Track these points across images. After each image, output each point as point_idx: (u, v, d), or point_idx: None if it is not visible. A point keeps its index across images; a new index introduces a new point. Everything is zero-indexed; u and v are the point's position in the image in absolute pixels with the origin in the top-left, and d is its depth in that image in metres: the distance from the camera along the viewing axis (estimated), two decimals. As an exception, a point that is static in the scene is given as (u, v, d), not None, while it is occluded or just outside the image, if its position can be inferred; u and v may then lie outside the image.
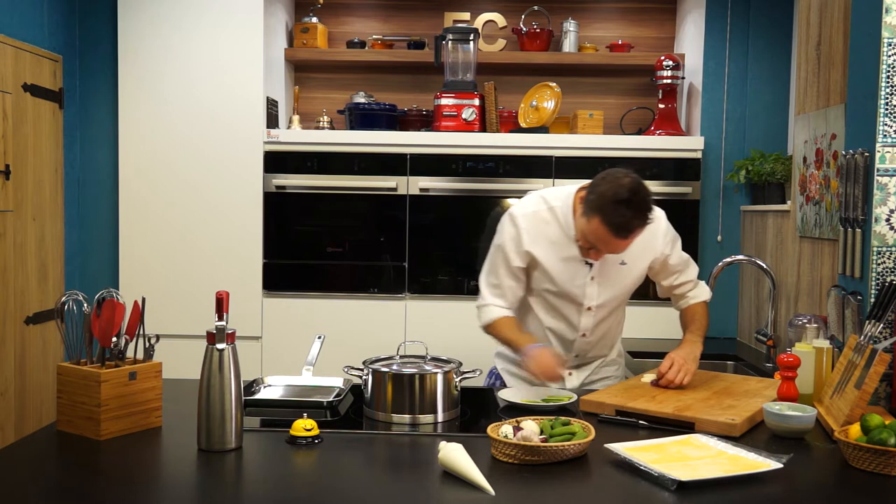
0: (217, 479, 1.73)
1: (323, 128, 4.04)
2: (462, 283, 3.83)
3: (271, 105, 3.92)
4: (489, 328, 2.55)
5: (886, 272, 2.28)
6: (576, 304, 2.51)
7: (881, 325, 2.07)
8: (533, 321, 2.60)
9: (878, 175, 2.28)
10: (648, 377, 2.44)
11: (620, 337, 2.74)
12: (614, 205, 2.22)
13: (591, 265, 2.47)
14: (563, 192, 2.49)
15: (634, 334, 3.53)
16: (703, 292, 2.68)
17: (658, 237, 2.53)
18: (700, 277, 3.84)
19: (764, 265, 3.22)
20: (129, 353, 2.02)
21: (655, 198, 3.76)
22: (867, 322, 2.11)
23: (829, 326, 2.48)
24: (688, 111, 4.11)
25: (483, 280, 2.58)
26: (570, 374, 2.60)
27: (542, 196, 2.52)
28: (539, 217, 2.48)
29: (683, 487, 1.63)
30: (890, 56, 2.26)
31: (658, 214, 2.50)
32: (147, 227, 3.84)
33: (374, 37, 4.19)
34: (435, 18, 4.24)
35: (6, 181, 3.38)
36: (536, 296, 2.56)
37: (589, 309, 2.52)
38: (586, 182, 2.39)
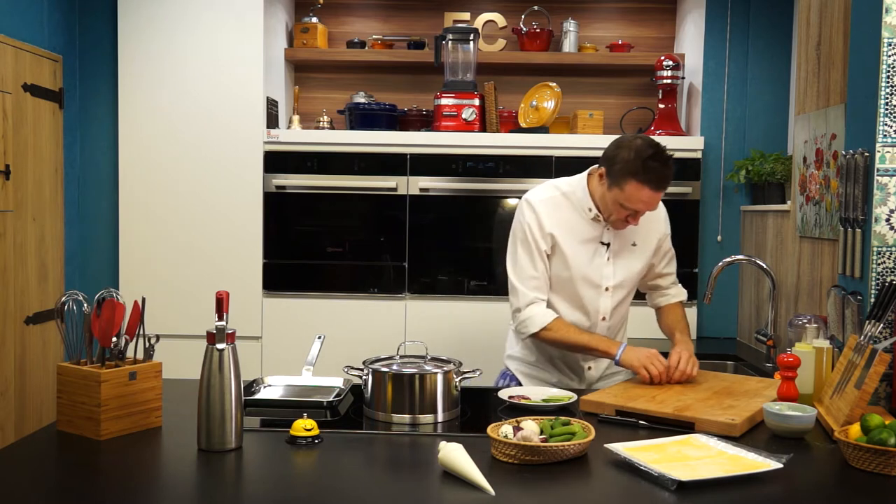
0: (217, 479, 1.73)
1: (323, 128, 4.03)
2: (462, 283, 3.83)
3: (271, 105, 3.92)
4: (544, 332, 2.47)
5: (886, 272, 2.28)
6: (594, 286, 2.54)
7: (881, 325, 2.07)
8: None
9: (878, 175, 2.28)
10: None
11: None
12: (644, 162, 2.33)
13: (607, 245, 2.52)
14: (573, 179, 2.57)
15: (635, 334, 3.52)
16: (681, 292, 2.74)
17: (661, 216, 2.64)
18: (700, 278, 3.89)
19: (764, 265, 3.22)
20: (129, 353, 2.02)
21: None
22: (867, 322, 2.11)
23: (829, 326, 2.48)
24: (688, 111, 4.11)
25: (516, 276, 2.51)
26: (589, 368, 2.62)
27: (552, 184, 2.60)
28: (554, 202, 2.53)
29: (683, 487, 1.63)
30: (890, 56, 2.26)
31: None
32: (147, 227, 3.84)
33: (374, 37, 4.19)
34: (435, 18, 4.24)
35: (6, 181, 3.38)
36: (554, 284, 2.55)
37: (607, 290, 2.55)
38: (592, 168, 2.52)
